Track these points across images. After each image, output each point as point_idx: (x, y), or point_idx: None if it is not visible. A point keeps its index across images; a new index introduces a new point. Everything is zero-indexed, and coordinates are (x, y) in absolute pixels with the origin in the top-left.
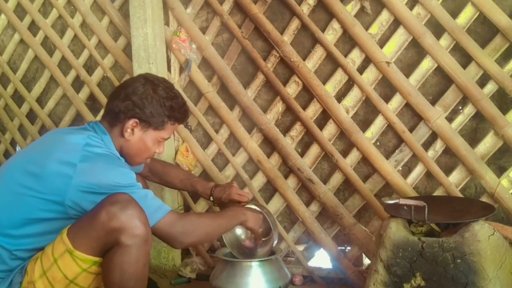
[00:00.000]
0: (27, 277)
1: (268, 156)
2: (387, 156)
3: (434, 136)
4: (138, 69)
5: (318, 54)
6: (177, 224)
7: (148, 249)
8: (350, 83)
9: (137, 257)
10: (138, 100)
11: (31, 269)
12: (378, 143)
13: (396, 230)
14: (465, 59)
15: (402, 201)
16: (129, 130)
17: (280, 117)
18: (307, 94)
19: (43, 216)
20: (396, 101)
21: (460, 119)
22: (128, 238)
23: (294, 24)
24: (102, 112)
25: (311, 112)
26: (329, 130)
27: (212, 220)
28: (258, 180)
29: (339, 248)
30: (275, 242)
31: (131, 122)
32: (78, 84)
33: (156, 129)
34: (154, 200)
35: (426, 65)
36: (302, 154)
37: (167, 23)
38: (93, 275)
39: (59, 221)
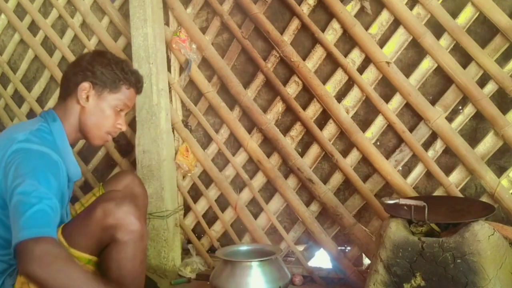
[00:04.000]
0: (20, 278)
1: (268, 156)
2: (387, 156)
3: (434, 136)
4: (138, 69)
5: (318, 54)
6: (40, 254)
7: (145, 246)
8: (350, 83)
9: (134, 253)
10: (87, 64)
11: None
12: (378, 143)
13: (396, 230)
14: (465, 59)
15: (402, 201)
16: (83, 94)
17: (280, 117)
18: (307, 94)
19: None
20: (396, 101)
21: (460, 119)
22: (124, 234)
23: (294, 24)
24: None
25: (311, 112)
26: (329, 130)
27: (85, 279)
28: (258, 180)
29: (339, 248)
30: None
31: (85, 86)
32: None
33: (111, 92)
34: (46, 218)
35: (426, 65)
36: (302, 154)
37: (167, 23)
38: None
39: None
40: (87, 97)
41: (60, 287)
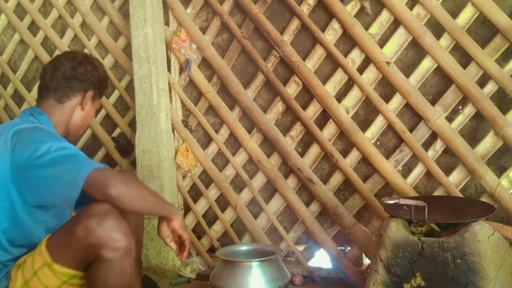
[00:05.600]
0: (11, 284)
1: (268, 156)
2: (387, 156)
3: (434, 136)
4: (138, 69)
5: (318, 54)
6: (115, 174)
7: (132, 260)
8: (350, 83)
9: (121, 269)
10: (91, 73)
11: (15, 276)
12: (378, 143)
13: (396, 230)
14: (465, 59)
15: (402, 201)
16: (88, 101)
17: (280, 117)
18: (307, 94)
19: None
20: (396, 101)
21: (460, 119)
22: (109, 252)
23: (294, 24)
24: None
25: (311, 112)
26: (329, 130)
27: (148, 189)
28: (258, 180)
29: (339, 248)
30: None
31: (91, 93)
32: None
33: (99, 98)
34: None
35: (426, 65)
36: (302, 154)
37: (167, 23)
38: (75, 286)
39: (16, 210)
40: (87, 102)
41: (143, 199)
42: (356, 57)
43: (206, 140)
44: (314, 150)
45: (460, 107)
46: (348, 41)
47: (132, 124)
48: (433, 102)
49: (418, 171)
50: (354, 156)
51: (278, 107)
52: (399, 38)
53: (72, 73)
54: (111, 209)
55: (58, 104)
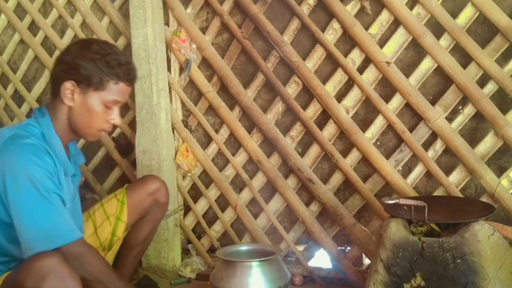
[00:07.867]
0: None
1: (268, 156)
2: (387, 156)
3: (434, 136)
4: (138, 69)
5: (318, 54)
6: (77, 260)
7: None
8: (350, 83)
9: None
10: (71, 60)
11: None
12: (378, 143)
13: (396, 230)
14: (465, 59)
15: (402, 201)
16: (67, 94)
17: (280, 117)
18: (307, 94)
19: None
20: (396, 101)
21: (460, 119)
22: None
23: (294, 24)
24: None
25: (311, 112)
26: (329, 130)
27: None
28: (258, 180)
29: (339, 248)
30: None
31: (68, 85)
32: None
33: (97, 90)
34: (64, 220)
35: (426, 65)
36: (302, 154)
37: (167, 23)
38: None
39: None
40: (72, 96)
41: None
42: (356, 57)
43: (206, 140)
44: (314, 150)
45: (460, 107)
46: (348, 41)
47: (132, 124)
48: (433, 102)
49: (418, 171)
50: (354, 156)
51: (278, 107)
52: (399, 38)
53: (57, 65)
54: (52, 269)
55: (54, 100)
